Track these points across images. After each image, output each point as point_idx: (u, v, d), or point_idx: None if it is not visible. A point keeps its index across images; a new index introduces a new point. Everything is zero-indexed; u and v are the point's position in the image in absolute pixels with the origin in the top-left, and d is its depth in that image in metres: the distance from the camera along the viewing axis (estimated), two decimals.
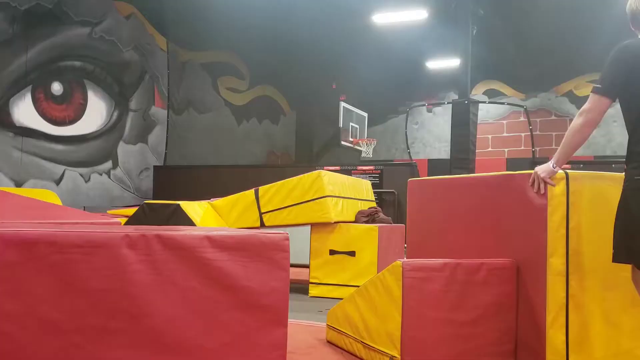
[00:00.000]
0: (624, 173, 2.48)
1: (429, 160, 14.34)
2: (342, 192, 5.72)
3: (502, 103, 14.17)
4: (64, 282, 2.01)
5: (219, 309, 2.22)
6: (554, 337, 2.70)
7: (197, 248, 2.21)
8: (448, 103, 11.67)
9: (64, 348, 2.00)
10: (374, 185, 7.29)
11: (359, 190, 6.27)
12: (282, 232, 2.38)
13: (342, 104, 12.39)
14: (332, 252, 5.44)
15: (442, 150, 15.11)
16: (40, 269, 1.99)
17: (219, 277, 2.23)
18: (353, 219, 5.76)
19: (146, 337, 2.11)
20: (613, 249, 2.44)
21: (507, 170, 10.21)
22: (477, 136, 11.26)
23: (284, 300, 2.34)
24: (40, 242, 2.00)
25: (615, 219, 2.42)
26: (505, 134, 14.96)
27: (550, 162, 2.75)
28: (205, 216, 5.54)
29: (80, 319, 2.03)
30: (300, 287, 5.85)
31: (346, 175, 6.26)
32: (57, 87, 10.07)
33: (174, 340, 2.14)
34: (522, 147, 14.46)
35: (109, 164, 11.18)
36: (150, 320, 2.11)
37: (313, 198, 5.43)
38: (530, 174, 2.85)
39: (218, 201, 5.85)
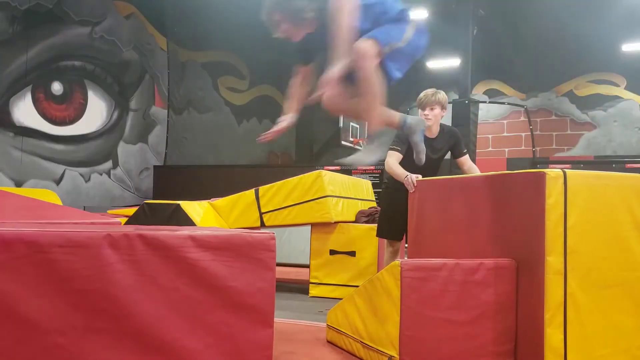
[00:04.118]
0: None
1: None
2: (343, 192, 5.72)
3: (503, 103, 14.18)
4: (45, 283, 1.98)
5: (203, 309, 2.19)
6: (552, 335, 2.70)
7: (180, 248, 2.17)
8: (448, 103, 11.67)
9: (45, 349, 1.98)
10: (374, 185, 7.29)
11: (359, 190, 6.27)
12: (268, 231, 2.34)
13: None
14: (333, 252, 5.44)
15: None
16: (20, 269, 1.96)
17: (203, 277, 2.20)
18: (353, 218, 5.76)
19: (129, 338, 2.08)
20: None
21: (507, 170, 10.22)
22: (478, 136, 11.27)
23: (270, 301, 2.30)
24: (21, 242, 1.97)
25: None
26: (505, 134, 14.95)
27: None
28: (206, 216, 5.54)
29: (62, 319, 2.00)
30: (300, 287, 5.85)
31: (346, 175, 6.27)
32: (57, 87, 10.08)
33: (157, 341, 2.11)
34: (523, 147, 14.45)
35: (109, 164, 11.19)
36: (134, 321, 2.08)
37: (313, 198, 5.43)
38: (531, 173, 2.86)
39: (218, 201, 5.85)
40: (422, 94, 4.31)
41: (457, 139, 4.42)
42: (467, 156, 4.44)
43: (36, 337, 1.97)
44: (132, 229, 2.23)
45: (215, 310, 2.21)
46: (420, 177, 3.91)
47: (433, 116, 4.22)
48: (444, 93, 4.34)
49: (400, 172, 4.08)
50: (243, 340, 2.25)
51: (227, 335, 2.23)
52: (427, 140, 4.21)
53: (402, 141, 4.23)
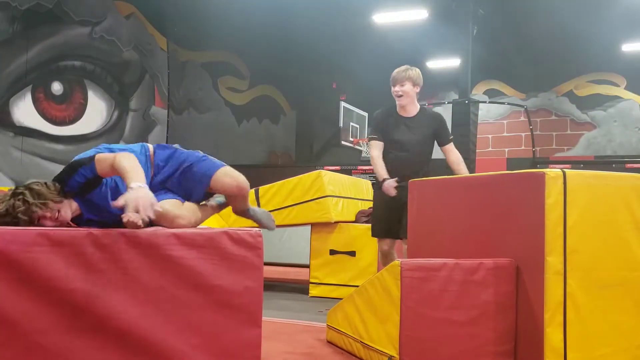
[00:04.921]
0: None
1: None
2: (342, 191, 5.72)
3: (503, 103, 14.17)
4: (26, 281, 1.96)
5: (189, 308, 2.15)
6: (552, 335, 2.70)
7: (164, 246, 2.14)
8: (448, 103, 11.66)
9: (27, 349, 1.95)
10: (374, 185, 7.28)
11: (359, 190, 6.27)
12: (255, 229, 2.30)
13: (342, 103, 12.40)
14: (333, 252, 5.44)
15: None
16: (0, 268, 1.93)
17: (188, 276, 2.16)
18: (353, 218, 5.76)
19: (113, 337, 2.05)
20: None
21: (507, 170, 10.22)
22: (478, 136, 11.27)
23: (258, 300, 2.27)
24: (0, 240, 1.94)
25: None
26: (505, 134, 14.95)
27: None
28: None
29: (44, 319, 1.97)
30: (300, 287, 5.86)
31: (346, 175, 6.27)
32: (57, 87, 10.07)
33: (142, 341, 2.08)
34: (523, 147, 14.46)
35: None
36: (117, 321, 2.05)
37: (313, 198, 5.43)
38: (531, 173, 2.86)
39: None
40: (394, 71, 4.25)
41: (440, 123, 4.32)
42: (452, 145, 4.35)
43: (18, 337, 1.94)
44: (114, 228, 2.19)
45: (201, 310, 2.17)
46: (393, 182, 4.01)
47: (403, 92, 4.16)
48: (417, 70, 4.27)
49: (380, 173, 4.12)
50: (230, 340, 2.21)
51: (213, 335, 2.19)
52: (403, 119, 4.22)
53: (377, 129, 4.25)
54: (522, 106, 13.57)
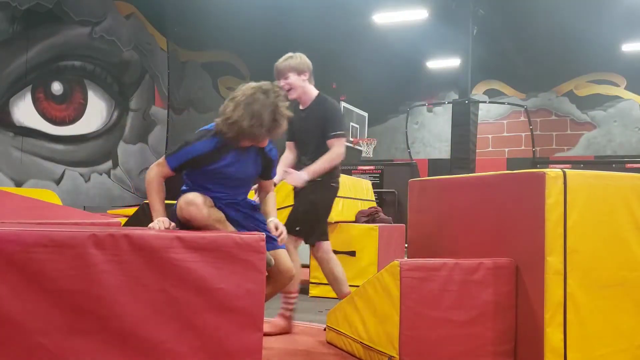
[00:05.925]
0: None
1: (429, 160, 14.36)
2: (342, 192, 5.70)
3: (503, 103, 14.19)
4: (28, 282, 1.96)
5: (190, 311, 2.15)
6: (552, 335, 2.70)
7: (166, 248, 2.14)
8: (448, 103, 11.67)
9: (28, 349, 1.96)
10: (374, 185, 7.28)
11: (359, 190, 6.27)
12: (258, 233, 2.31)
13: (342, 103, 12.40)
14: (333, 252, 5.43)
15: (442, 150, 15.11)
16: (2, 269, 1.93)
17: (190, 278, 2.16)
18: (353, 218, 5.75)
19: (115, 339, 2.05)
20: None
21: (507, 170, 10.22)
22: (478, 136, 11.28)
23: (260, 304, 2.27)
24: (3, 241, 1.94)
25: None
26: (505, 134, 14.96)
27: None
28: None
29: (45, 320, 1.97)
30: (301, 287, 5.84)
31: (346, 175, 6.26)
32: (57, 87, 10.08)
33: (143, 343, 2.08)
34: (523, 147, 14.47)
35: (109, 164, 11.19)
36: (119, 323, 2.05)
37: None
38: (531, 173, 2.86)
39: None
40: (276, 64, 3.82)
41: (326, 113, 3.74)
42: (334, 141, 3.70)
43: (19, 338, 1.95)
44: (117, 229, 2.20)
45: (202, 313, 2.17)
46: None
47: (289, 85, 3.74)
48: (299, 55, 3.83)
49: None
50: (231, 344, 2.21)
51: (214, 338, 2.19)
52: (300, 113, 3.85)
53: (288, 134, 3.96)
54: (522, 106, 13.58)
